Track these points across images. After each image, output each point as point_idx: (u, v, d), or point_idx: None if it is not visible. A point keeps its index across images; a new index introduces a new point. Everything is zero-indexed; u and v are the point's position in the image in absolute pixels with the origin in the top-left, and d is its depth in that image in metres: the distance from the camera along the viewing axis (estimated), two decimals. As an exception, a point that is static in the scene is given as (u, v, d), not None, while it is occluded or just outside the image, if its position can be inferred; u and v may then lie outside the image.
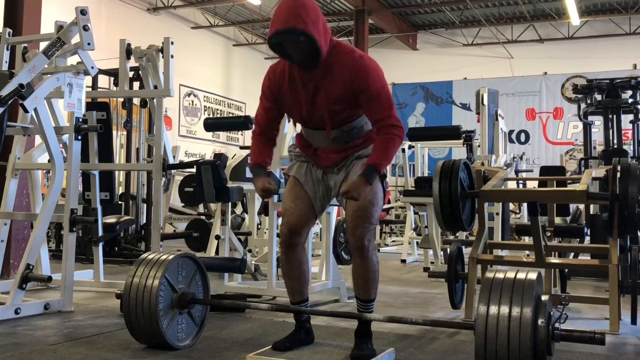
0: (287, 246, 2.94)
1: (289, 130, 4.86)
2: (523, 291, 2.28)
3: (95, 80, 7.30)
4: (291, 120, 4.69)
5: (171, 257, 3.06)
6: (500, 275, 2.39)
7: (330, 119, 2.84)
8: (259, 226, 6.44)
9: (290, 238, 2.92)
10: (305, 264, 3.01)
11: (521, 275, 2.36)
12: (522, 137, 16.43)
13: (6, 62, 4.71)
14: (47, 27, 5.24)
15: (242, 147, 8.24)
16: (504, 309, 2.25)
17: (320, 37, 2.65)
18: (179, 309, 3.07)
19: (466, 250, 4.34)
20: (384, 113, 2.78)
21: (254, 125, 3.04)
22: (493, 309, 2.27)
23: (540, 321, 2.27)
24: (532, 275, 2.36)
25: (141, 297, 2.94)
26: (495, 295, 2.30)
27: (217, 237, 4.99)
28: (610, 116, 6.68)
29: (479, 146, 7.28)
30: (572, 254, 5.71)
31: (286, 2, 2.67)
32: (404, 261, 7.94)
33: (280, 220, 6.52)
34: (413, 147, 8.65)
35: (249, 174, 6.33)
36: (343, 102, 2.79)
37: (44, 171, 6.11)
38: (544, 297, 2.35)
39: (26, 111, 3.91)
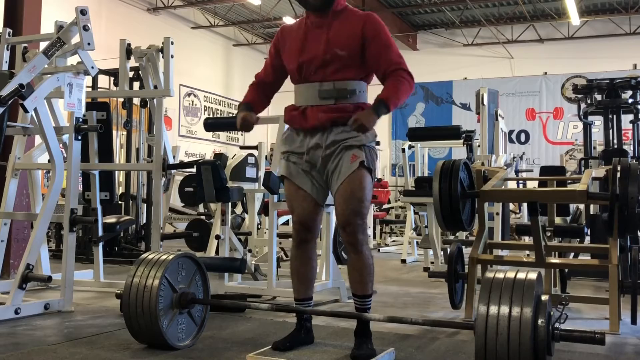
0: (299, 241, 2.96)
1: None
2: (523, 291, 2.28)
3: (95, 80, 7.30)
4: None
5: (171, 257, 3.06)
6: (500, 275, 2.39)
7: (329, 65, 2.85)
8: (259, 226, 6.44)
9: (302, 233, 2.94)
10: (314, 261, 3.03)
11: (521, 275, 2.36)
12: (522, 137, 16.43)
13: (6, 62, 4.71)
14: (47, 27, 5.24)
15: (242, 147, 8.24)
16: (504, 309, 2.25)
17: None
18: (179, 309, 3.07)
19: (466, 250, 4.34)
20: (395, 62, 2.86)
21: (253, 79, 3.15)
22: (493, 309, 2.27)
23: (540, 321, 2.27)
24: (532, 275, 2.36)
25: (141, 297, 2.94)
26: (495, 295, 2.30)
27: (217, 237, 4.99)
28: (610, 116, 6.68)
29: (479, 146, 7.28)
30: (572, 254, 5.71)
31: None
32: (404, 261, 7.94)
33: (280, 220, 6.53)
34: (413, 147, 8.65)
35: (249, 174, 6.34)
36: (348, 47, 2.84)
37: (44, 171, 6.11)
38: (544, 297, 2.35)
39: (26, 111, 3.91)
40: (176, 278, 3.09)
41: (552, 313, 2.39)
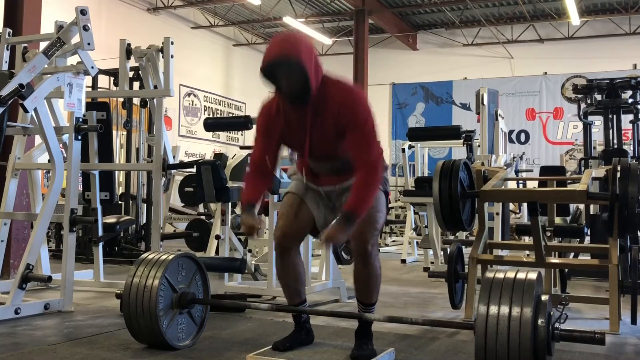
0: (281, 250, 2.92)
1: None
2: (523, 291, 2.28)
3: (95, 80, 7.30)
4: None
5: (171, 257, 3.06)
6: (500, 275, 2.39)
7: (331, 153, 2.83)
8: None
9: (283, 241, 2.90)
10: (300, 266, 2.99)
11: (521, 275, 2.36)
12: (522, 137, 16.42)
13: (6, 62, 4.71)
14: (47, 27, 5.24)
15: (242, 147, 8.24)
16: (504, 309, 2.25)
17: (311, 72, 2.64)
18: (179, 309, 3.07)
19: (466, 250, 4.34)
20: (364, 148, 2.71)
21: (248, 167, 2.99)
22: (493, 309, 2.27)
23: (540, 321, 2.27)
24: (532, 275, 2.36)
25: (141, 297, 2.94)
26: (495, 295, 2.30)
27: (217, 237, 4.99)
28: (610, 116, 6.68)
29: (479, 146, 7.28)
30: (572, 254, 5.71)
31: (282, 35, 2.75)
32: (404, 261, 7.94)
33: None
34: (413, 147, 8.65)
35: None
36: (338, 136, 2.75)
37: (44, 171, 6.11)
38: (544, 297, 2.35)
39: (26, 111, 3.91)
40: (176, 278, 3.09)
41: (552, 313, 2.40)
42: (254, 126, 5.47)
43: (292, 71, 2.63)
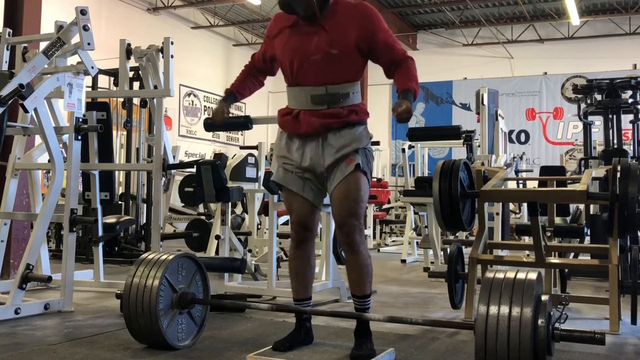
0: (298, 241, 2.96)
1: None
2: (523, 291, 2.28)
3: (95, 80, 7.30)
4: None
5: (171, 257, 3.06)
6: (500, 275, 2.39)
7: (321, 67, 2.82)
8: (259, 226, 6.44)
9: (301, 233, 2.94)
10: (313, 261, 3.03)
11: (521, 275, 2.36)
12: (522, 137, 16.43)
13: (6, 62, 4.71)
14: (47, 27, 5.24)
15: (242, 147, 8.24)
16: (504, 309, 2.25)
17: None
18: (179, 309, 3.07)
19: (466, 250, 4.34)
20: (401, 53, 2.90)
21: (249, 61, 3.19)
22: (493, 309, 2.27)
23: (540, 321, 2.27)
24: (532, 275, 2.36)
25: (141, 297, 2.94)
26: (495, 295, 2.30)
27: (217, 237, 4.99)
28: (610, 116, 6.68)
29: (479, 146, 7.27)
30: (572, 254, 5.71)
31: None
32: (404, 261, 7.94)
33: (280, 220, 6.53)
34: (413, 147, 8.65)
35: (249, 174, 6.34)
36: (341, 45, 2.81)
37: (44, 171, 6.11)
38: (544, 297, 2.35)
39: (26, 111, 3.91)
40: (176, 278, 3.09)
41: (552, 313, 2.39)
42: (254, 126, 5.48)
43: None
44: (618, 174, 3.65)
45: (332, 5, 2.86)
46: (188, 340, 3.13)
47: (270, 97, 17.20)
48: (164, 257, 3.07)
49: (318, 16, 2.82)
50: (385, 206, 12.12)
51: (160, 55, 4.94)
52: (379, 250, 10.07)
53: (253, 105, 17.56)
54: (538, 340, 2.25)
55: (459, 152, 14.14)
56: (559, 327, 2.41)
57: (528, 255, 5.23)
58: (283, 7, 2.86)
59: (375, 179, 10.18)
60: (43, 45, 4.34)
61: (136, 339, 3.06)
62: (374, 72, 16.03)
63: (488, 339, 2.23)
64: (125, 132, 7.84)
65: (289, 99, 2.97)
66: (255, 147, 6.73)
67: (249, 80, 3.20)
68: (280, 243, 5.70)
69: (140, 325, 2.97)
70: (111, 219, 5.52)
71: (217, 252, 5.13)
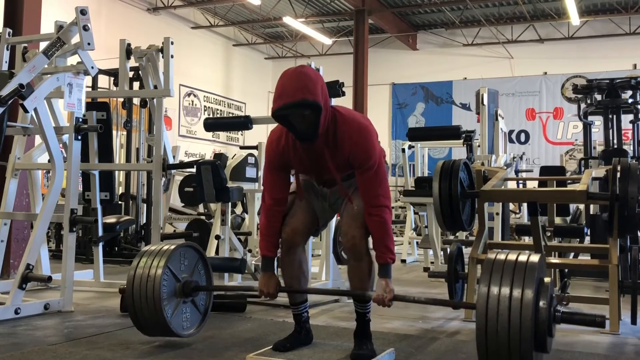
0: (288, 247, 2.94)
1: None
2: (525, 273, 2.26)
3: (95, 80, 7.30)
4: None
5: (173, 247, 3.07)
6: (502, 257, 2.37)
7: (338, 177, 2.87)
8: (259, 226, 6.43)
9: (292, 239, 2.92)
10: (305, 264, 3.02)
11: (523, 258, 2.35)
12: (522, 137, 16.43)
13: (6, 62, 4.71)
14: (47, 27, 5.24)
15: (242, 147, 8.24)
16: (505, 290, 2.23)
17: (324, 111, 2.67)
18: (183, 298, 3.07)
19: (466, 250, 4.34)
20: (375, 191, 2.79)
21: (265, 198, 2.94)
22: (494, 290, 2.25)
23: (542, 302, 2.25)
24: (534, 258, 2.34)
25: (144, 287, 2.94)
26: (497, 277, 2.28)
27: (217, 237, 5.00)
28: (610, 116, 6.68)
29: (479, 146, 7.27)
30: (572, 254, 5.71)
31: (291, 75, 2.66)
32: (404, 261, 7.94)
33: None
34: (413, 147, 8.65)
35: (249, 174, 6.34)
36: (349, 167, 2.83)
37: (44, 171, 6.11)
38: (546, 280, 2.34)
39: (26, 111, 3.91)
40: (179, 267, 3.09)
41: (553, 295, 2.38)
42: (254, 126, 5.49)
43: (306, 114, 2.65)
44: (618, 174, 3.65)
45: (331, 123, 2.76)
46: (193, 328, 3.13)
47: (270, 97, 17.19)
48: (165, 247, 3.08)
49: (312, 137, 2.72)
50: (385, 206, 12.10)
51: (160, 55, 4.94)
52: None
53: (253, 105, 17.58)
54: (539, 321, 2.24)
55: (459, 152, 14.14)
56: (560, 309, 2.41)
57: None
58: (278, 119, 2.73)
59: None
60: (43, 45, 4.34)
61: (141, 330, 3.05)
62: (374, 72, 16.05)
63: (489, 320, 2.21)
64: (125, 132, 7.84)
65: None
66: (255, 147, 6.73)
67: (276, 228, 2.93)
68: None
69: (144, 315, 2.96)
70: (111, 219, 5.52)
71: (217, 252, 5.13)
